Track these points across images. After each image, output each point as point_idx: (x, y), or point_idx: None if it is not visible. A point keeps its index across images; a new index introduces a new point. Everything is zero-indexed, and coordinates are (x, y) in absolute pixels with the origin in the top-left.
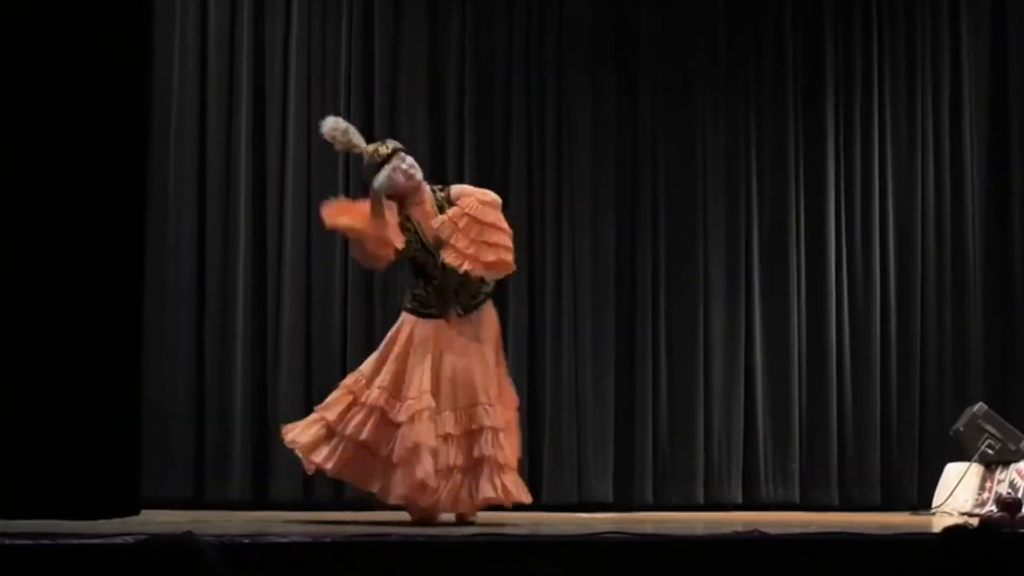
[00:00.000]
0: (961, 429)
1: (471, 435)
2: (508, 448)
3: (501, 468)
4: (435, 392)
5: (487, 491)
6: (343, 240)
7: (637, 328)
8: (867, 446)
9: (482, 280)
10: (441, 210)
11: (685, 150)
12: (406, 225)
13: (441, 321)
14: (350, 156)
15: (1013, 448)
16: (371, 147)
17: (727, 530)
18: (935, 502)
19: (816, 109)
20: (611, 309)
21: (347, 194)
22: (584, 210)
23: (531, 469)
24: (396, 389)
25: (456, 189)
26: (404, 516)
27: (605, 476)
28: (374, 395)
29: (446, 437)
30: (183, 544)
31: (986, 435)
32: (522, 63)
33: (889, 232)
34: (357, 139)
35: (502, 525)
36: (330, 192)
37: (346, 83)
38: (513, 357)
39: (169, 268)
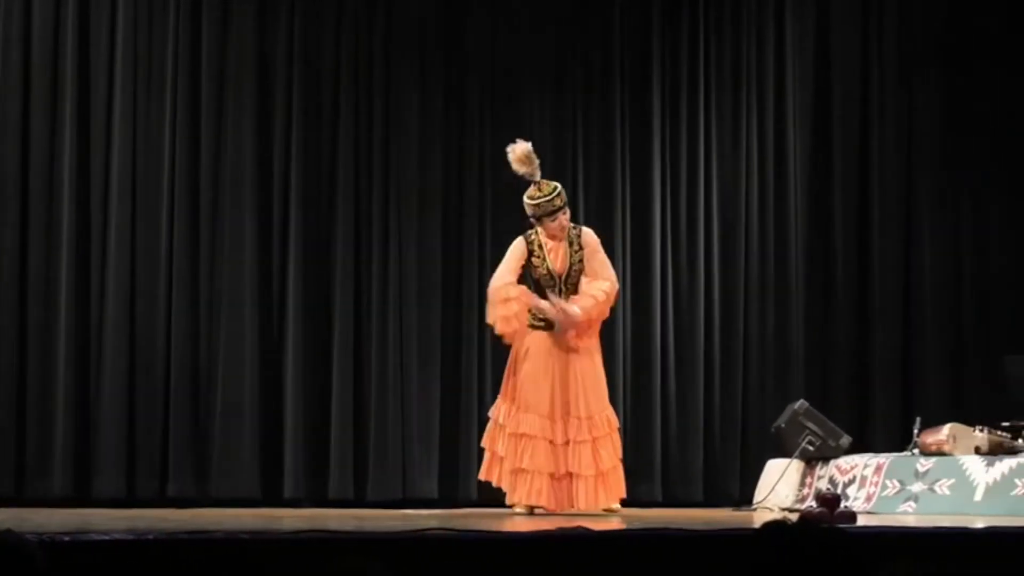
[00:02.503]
0: (782, 426)
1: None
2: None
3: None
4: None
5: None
6: (167, 234)
7: (463, 325)
8: (690, 443)
9: None
10: (570, 245)
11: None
12: (537, 252)
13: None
14: (175, 151)
15: (833, 444)
16: (547, 188)
17: (552, 527)
18: (756, 498)
19: (642, 107)
20: (437, 307)
21: (171, 188)
22: (411, 208)
23: (356, 466)
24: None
25: (587, 236)
26: (230, 513)
27: (430, 473)
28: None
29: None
30: (3, 541)
31: (807, 432)
32: (350, 61)
33: (713, 232)
34: (538, 172)
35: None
36: (154, 188)
37: (173, 79)
38: (339, 354)
39: None
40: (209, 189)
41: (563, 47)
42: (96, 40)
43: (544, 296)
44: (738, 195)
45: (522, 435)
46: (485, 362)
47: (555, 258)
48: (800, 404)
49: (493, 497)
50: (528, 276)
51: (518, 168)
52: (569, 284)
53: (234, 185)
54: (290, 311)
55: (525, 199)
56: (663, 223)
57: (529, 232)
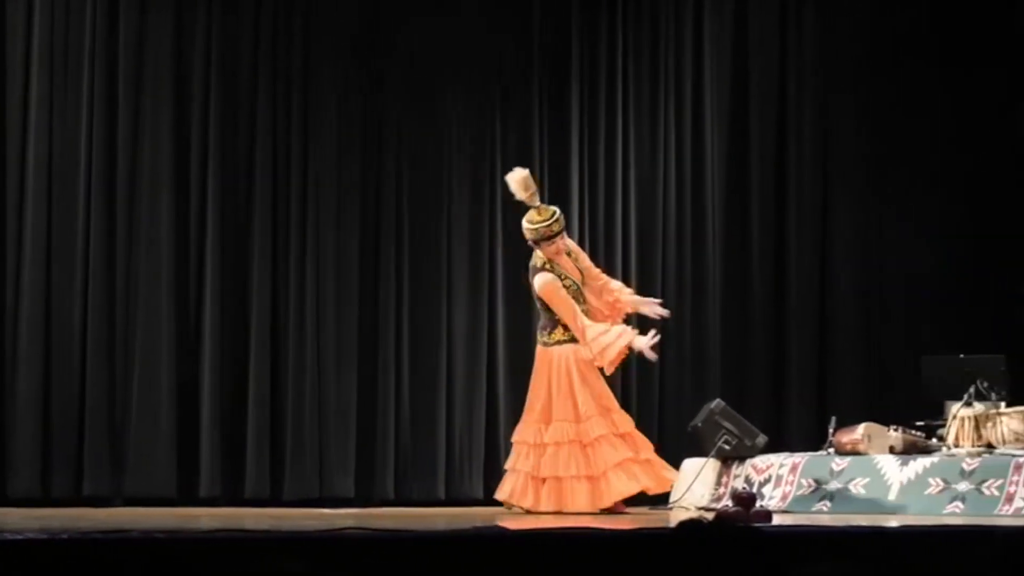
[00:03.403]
0: (699, 425)
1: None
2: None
3: None
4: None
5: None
6: (83, 232)
7: (380, 324)
8: None
9: None
10: (568, 255)
11: (430, 148)
12: (561, 276)
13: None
14: (92, 148)
15: (749, 444)
16: (546, 213)
17: (467, 525)
18: (673, 497)
19: (561, 110)
20: (354, 305)
21: (87, 185)
22: (329, 206)
23: (272, 465)
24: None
25: (567, 240)
26: (145, 512)
27: (347, 472)
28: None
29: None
30: None
31: (723, 431)
32: (268, 59)
33: (631, 231)
34: (537, 198)
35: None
36: (71, 185)
37: (90, 75)
38: (255, 353)
39: None
40: (125, 187)
41: (482, 44)
42: (12, 35)
43: None
44: (655, 194)
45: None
46: (402, 361)
47: (572, 271)
48: (716, 403)
49: (409, 496)
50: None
51: (518, 194)
52: (584, 291)
53: (151, 184)
54: (207, 310)
55: (525, 224)
56: (580, 221)
57: (545, 264)
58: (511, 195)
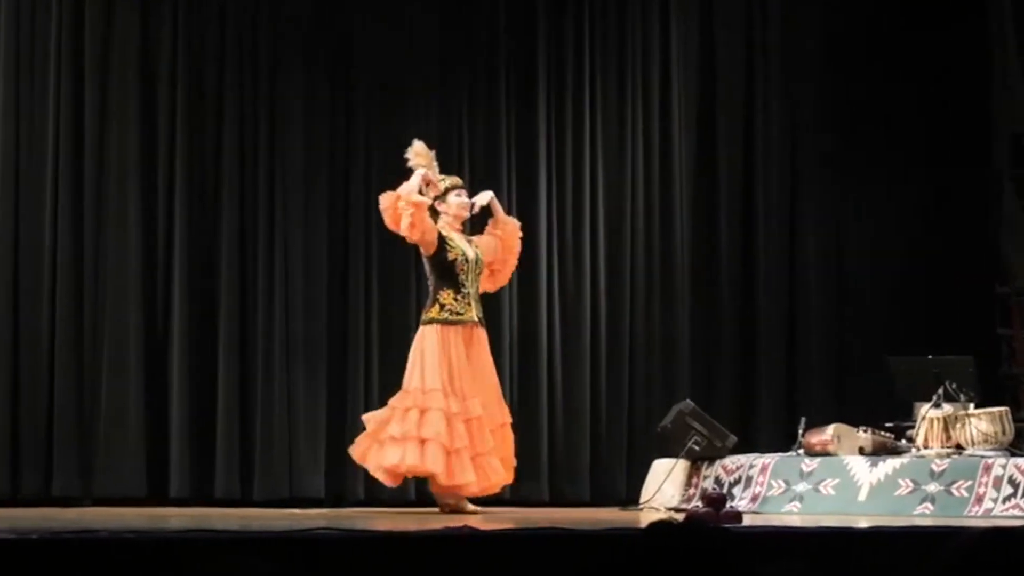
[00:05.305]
0: (669, 425)
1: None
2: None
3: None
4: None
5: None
6: (51, 230)
7: (349, 323)
8: (577, 441)
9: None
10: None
11: (398, 148)
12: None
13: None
14: (59, 146)
15: (719, 445)
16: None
17: (438, 525)
18: (643, 498)
19: (528, 109)
20: (323, 304)
21: (54, 184)
22: (297, 206)
23: (242, 465)
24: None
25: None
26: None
27: (317, 472)
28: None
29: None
30: None
31: (693, 432)
32: (235, 56)
33: (599, 229)
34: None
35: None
36: (37, 184)
37: (56, 72)
38: (224, 352)
39: None
40: (92, 186)
41: (448, 46)
42: None
43: (456, 282)
44: (624, 194)
45: None
46: (372, 361)
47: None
48: (686, 404)
49: (379, 497)
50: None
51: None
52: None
53: (118, 182)
54: (175, 309)
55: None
56: (549, 223)
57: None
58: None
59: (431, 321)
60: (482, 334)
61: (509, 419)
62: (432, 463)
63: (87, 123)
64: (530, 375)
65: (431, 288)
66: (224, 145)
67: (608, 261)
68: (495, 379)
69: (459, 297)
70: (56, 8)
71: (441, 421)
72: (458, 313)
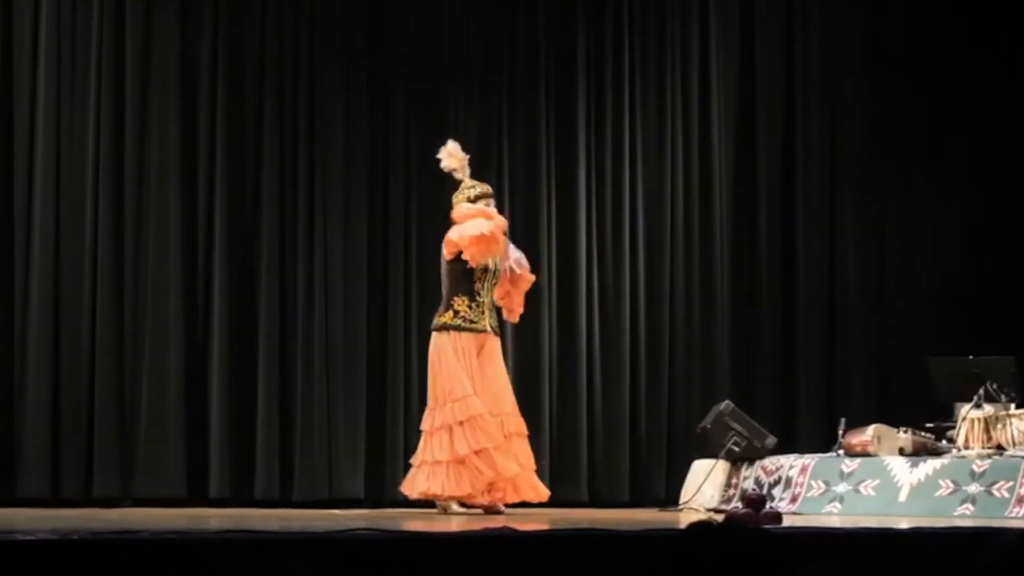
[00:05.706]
0: (708, 426)
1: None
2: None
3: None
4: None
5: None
6: (92, 234)
7: (389, 324)
8: (616, 443)
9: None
10: None
11: (437, 152)
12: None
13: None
14: (99, 150)
15: (758, 445)
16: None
17: (477, 527)
18: (682, 498)
19: (568, 112)
20: (363, 306)
21: (95, 188)
22: (337, 208)
23: (282, 466)
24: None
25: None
26: (155, 513)
27: (356, 473)
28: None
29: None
30: None
31: (732, 432)
32: (275, 59)
33: (639, 235)
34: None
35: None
36: (78, 188)
37: (96, 77)
38: (264, 354)
39: None
40: (133, 189)
41: (488, 49)
42: (19, 37)
43: (471, 290)
44: (663, 198)
45: None
46: (411, 362)
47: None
48: (725, 405)
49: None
50: (462, 267)
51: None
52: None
53: (158, 186)
54: (215, 311)
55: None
56: (588, 226)
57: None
58: (519, 198)
59: (444, 327)
60: (495, 343)
61: (525, 430)
62: (504, 468)
63: (127, 128)
64: (570, 377)
65: (445, 293)
66: (264, 149)
67: (647, 263)
68: (508, 389)
69: (473, 305)
70: (97, 15)
71: (488, 424)
72: (471, 321)
